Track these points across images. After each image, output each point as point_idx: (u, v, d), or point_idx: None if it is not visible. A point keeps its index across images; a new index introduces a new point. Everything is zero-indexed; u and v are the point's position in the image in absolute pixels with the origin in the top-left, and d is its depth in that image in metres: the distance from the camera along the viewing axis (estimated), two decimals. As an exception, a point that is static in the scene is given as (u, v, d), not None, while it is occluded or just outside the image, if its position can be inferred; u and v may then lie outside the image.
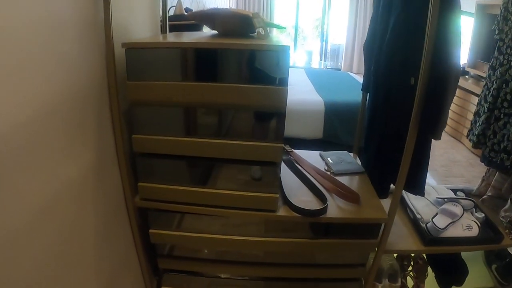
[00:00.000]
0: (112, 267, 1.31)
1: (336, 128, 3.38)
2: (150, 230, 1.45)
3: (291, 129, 3.34)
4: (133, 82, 1.21)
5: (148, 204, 1.40)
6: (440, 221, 1.57)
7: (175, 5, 2.63)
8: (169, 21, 1.75)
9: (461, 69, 4.22)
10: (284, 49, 1.15)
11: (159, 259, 1.56)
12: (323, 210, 1.34)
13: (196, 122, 1.31)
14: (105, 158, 1.24)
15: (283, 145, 1.26)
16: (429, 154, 1.45)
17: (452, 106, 4.33)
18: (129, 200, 1.39)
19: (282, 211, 1.36)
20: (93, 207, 1.15)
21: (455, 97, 4.09)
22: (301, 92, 3.72)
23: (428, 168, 1.48)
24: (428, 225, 1.59)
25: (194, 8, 3.66)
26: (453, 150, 3.93)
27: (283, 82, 1.19)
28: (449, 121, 4.41)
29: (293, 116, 3.28)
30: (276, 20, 7.12)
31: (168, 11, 1.87)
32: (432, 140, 1.40)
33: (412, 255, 1.84)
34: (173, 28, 1.83)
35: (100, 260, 1.21)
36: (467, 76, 4.13)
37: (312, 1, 7.46)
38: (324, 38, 7.21)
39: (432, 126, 1.29)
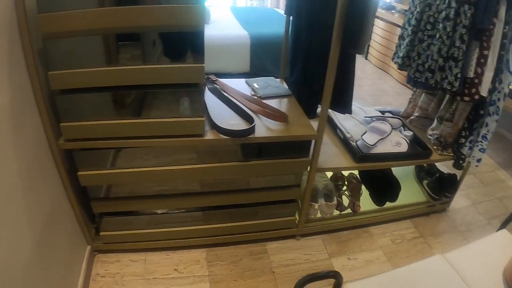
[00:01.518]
0: (44, 217, 1.24)
1: (263, 61, 3.43)
2: (79, 173, 1.40)
3: (217, 64, 3.38)
4: (44, 14, 1.11)
5: (73, 145, 1.33)
6: (370, 138, 1.63)
7: None
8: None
9: (389, 3, 4.36)
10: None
11: (93, 203, 1.51)
12: (251, 130, 1.35)
13: (116, 50, 1.24)
14: (22, 100, 1.14)
15: (203, 65, 1.23)
16: (354, 71, 1.47)
17: (378, 39, 4.37)
18: (53, 143, 1.31)
19: (210, 135, 1.35)
20: (14, 153, 1.06)
21: (381, 30, 4.21)
22: (226, 28, 3.70)
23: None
24: (358, 142, 1.65)
25: None
26: (380, 80, 4.10)
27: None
28: (375, 53, 4.48)
29: (219, 51, 3.31)
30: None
31: None
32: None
33: (346, 175, 1.91)
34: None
35: (29, 210, 1.14)
36: (393, 11, 4.28)
37: None
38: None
39: (355, 39, 1.29)
